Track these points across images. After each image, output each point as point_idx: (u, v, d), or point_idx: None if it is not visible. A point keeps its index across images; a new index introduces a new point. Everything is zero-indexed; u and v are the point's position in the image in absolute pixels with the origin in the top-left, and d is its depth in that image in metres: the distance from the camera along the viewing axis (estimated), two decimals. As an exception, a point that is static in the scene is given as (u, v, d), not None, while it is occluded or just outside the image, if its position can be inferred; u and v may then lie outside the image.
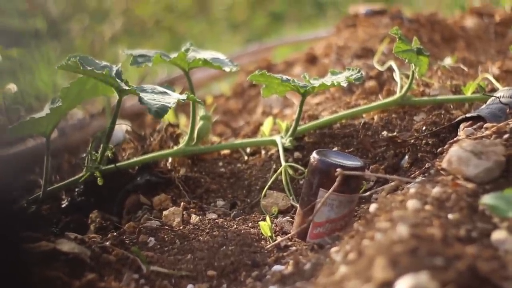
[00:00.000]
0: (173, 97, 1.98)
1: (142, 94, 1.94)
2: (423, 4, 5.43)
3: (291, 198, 2.04)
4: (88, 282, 1.63)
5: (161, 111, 1.90)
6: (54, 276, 1.59)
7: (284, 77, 2.10)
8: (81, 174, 2.11)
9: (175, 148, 2.25)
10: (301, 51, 3.53)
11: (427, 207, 1.45)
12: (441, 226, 1.35)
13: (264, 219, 1.87)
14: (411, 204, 1.47)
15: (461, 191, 1.51)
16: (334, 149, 2.17)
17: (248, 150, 2.36)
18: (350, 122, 2.28)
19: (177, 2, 6.73)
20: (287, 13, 6.69)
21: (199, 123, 2.27)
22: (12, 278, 1.48)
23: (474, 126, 1.90)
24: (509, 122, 1.74)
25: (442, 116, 2.17)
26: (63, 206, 2.18)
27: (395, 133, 2.17)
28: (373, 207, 1.58)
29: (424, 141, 2.09)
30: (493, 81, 2.29)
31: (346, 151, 2.16)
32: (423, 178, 1.72)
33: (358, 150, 2.18)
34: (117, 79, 1.97)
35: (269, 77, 2.09)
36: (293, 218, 1.93)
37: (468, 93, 2.25)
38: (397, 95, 2.25)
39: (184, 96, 2.01)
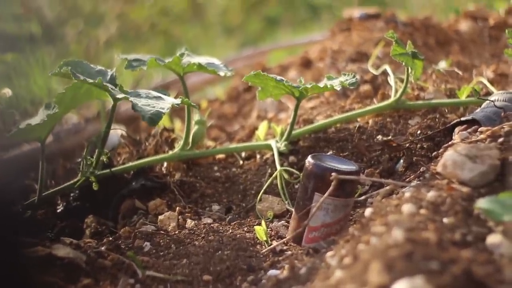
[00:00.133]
0: (167, 102, 1.98)
1: (136, 100, 1.94)
2: (418, 8, 5.45)
3: (286, 202, 2.04)
4: (83, 287, 1.63)
5: (155, 117, 1.89)
6: (50, 281, 1.59)
7: (278, 77, 2.10)
8: (76, 179, 2.11)
9: (170, 152, 2.25)
10: (296, 55, 3.53)
11: (422, 211, 1.45)
12: (436, 230, 1.36)
13: (259, 224, 1.86)
14: (406, 208, 1.47)
15: (456, 195, 1.51)
16: (329, 153, 2.17)
17: (243, 154, 2.36)
18: (345, 126, 2.28)
19: (172, 7, 6.73)
20: (281, 17, 6.69)
21: (194, 128, 2.27)
22: (8, 283, 1.48)
23: (469, 130, 1.90)
24: (504, 126, 1.74)
25: (437, 120, 2.17)
26: (58, 211, 2.17)
27: (390, 137, 2.17)
28: (368, 211, 1.58)
29: (419, 145, 2.09)
30: (488, 84, 2.29)
31: (341, 155, 2.16)
32: (418, 182, 1.72)
33: (353, 154, 2.18)
34: (110, 87, 1.96)
35: (264, 78, 2.08)
36: (288, 222, 1.93)
37: (463, 96, 2.26)
38: (392, 99, 2.25)
39: (178, 101, 2.01)
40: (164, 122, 2.55)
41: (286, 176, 2.06)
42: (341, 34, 3.32)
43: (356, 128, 2.24)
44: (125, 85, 2.03)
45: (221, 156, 2.36)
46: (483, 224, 1.41)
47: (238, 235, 1.85)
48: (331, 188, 1.66)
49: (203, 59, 2.25)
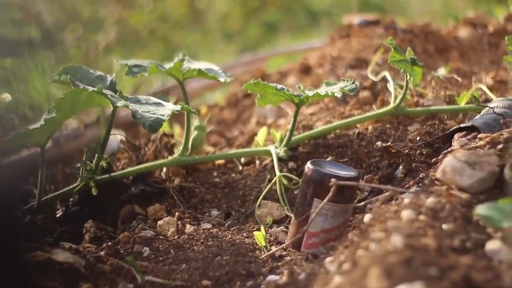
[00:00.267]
0: (167, 108, 1.98)
1: (136, 106, 1.94)
2: (417, 15, 5.45)
3: (285, 208, 2.04)
4: (83, 292, 1.63)
5: (156, 124, 1.89)
6: (49, 286, 1.59)
7: (279, 86, 2.10)
8: (75, 184, 2.11)
9: (170, 158, 2.25)
10: (295, 61, 3.54)
11: (421, 217, 1.45)
12: (435, 236, 1.36)
13: (258, 229, 1.86)
14: (406, 214, 1.47)
15: (455, 201, 1.51)
16: (328, 159, 2.17)
17: (242, 160, 2.36)
18: (344, 132, 2.28)
19: (171, 12, 6.74)
20: (280, 23, 6.69)
21: (193, 133, 2.27)
22: (8, 287, 1.48)
23: (468, 137, 1.91)
24: (503, 133, 1.74)
25: (436, 126, 2.17)
26: (57, 216, 2.17)
27: (389, 143, 2.17)
28: (367, 217, 1.58)
29: (418, 151, 2.09)
30: (487, 91, 2.30)
31: (340, 161, 2.17)
32: (417, 188, 1.72)
33: (352, 160, 2.18)
34: (109, 94, 1.95)
35: (264, 86, 2.09)
36: (287, 228, 1.94)
37: (462, 103, 2.26)
38: (391, 105, 2.26)
39: (178, 107, 2.01)
40: (164, 127, 2.55)
41: (285, 182, 2.06)
42: (340, 41, 3.32)
43: (356, 134, 2.24)
44: (125, 90, 2.03)
45: (220, 161, 2.36)
46: (482, 231, 1.41)
47: (237, 241, 1.85)
48: (330, 194, 1.66)
49: (202, 65, 2.25)
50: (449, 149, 1.85)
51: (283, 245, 1.80)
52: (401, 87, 2.24)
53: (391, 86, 2.32)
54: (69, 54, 4.91)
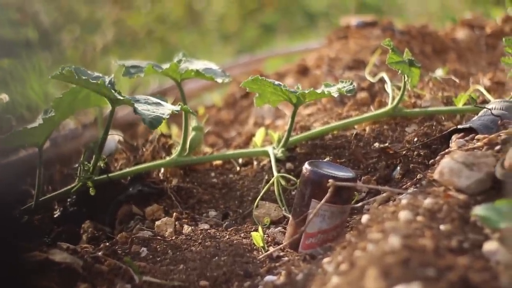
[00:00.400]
0: (167, 108, 1.99)
1: (136, 105, 1.94)
2: (414, 16, 5.46)
3: (283, 208, 2.04)
4: (80, 292, 1.63)
5: (155, 121, 1.90)
6: (47, 286, 1.60)
7: (276, 82, 2.10)
8: (73, 185, 2.11)
9: (168, 158, 2.25)
10: (293, 62, 3.53)
11: (419, 218, 1.46)
12: (433, 237, 1.36)
13: (256, 230, 1.87)
14: (403, 215, 1.47)
15: (452, 202, 1.52)
16: (326, 160, 2.17)
17: (240, 160, 2.36)
18: (342, 133, 2.29)
19: (169, 13, 6.74)
20: (278, 25, 6.69)
21: (191, 134, 2.27)
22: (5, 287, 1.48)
23: (466, 138, 1.91)
24: (501, 134, 1.74)
25: (433, 127, 2.17)
26: (55, 216, 2.17)
27: (386, 144, 2.17)
28: (365, 218, 1.58)
29: (415, 152, 2.09)
30: (485, 92, 2.30)
31: (338, 162, 2.17)
32: (414, 189, 1.72)
33: (350, 161, 2.19)
34: (110, 90, 1.96)
35: (262, 83, 2.08)
36: (285, 228, 1.94)
37: (460, 104, 2.26)
38: (389, 106, 2.26)
39: (177, 107, 2.01)
40: (161, 128, 2.55)
41: (283, 182, 2.06)
42: (338, 42, 3.32)
43: (353, 135, 2.25)
44: (122, 91, 2.03)
45: (218, 162, 2.36)
46: (479, 231, 1.41)
47: (235, 241, 1.86)
48: (328, 194, 1.66)
49: (201, 64, 2.25)
50: (446, 150, 1.85)
51: (281, 245, 1.80)
52: (399, 88, 2.24)
53: (388, 87, 2.32)
54: (67, 55, 4.91)
